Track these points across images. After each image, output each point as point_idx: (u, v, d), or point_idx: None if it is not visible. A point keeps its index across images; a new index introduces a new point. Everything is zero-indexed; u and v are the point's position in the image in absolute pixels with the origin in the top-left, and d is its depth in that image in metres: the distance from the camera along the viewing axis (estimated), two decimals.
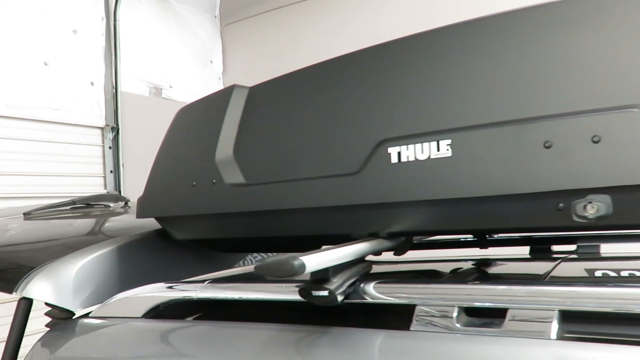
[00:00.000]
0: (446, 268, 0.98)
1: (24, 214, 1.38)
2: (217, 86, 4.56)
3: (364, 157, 0.79)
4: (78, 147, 3.34)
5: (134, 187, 3.55)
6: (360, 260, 0.75)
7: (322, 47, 4.11)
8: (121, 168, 3.50)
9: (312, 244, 1.01)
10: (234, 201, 0.91)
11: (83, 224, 1.30)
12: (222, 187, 0.93)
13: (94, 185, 3.45)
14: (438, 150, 0.72)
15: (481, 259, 1.06)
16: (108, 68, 3.53)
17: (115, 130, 3.53)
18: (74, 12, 3.31)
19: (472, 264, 1.02)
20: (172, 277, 1.12)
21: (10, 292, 0.95)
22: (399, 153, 0.75)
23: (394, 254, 0.89)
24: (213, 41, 4.57)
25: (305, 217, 0.86)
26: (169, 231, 1.09)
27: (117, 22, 3.54)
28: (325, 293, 0.66)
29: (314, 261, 0.62)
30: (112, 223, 1.33)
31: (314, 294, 0.66)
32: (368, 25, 3.89)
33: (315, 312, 0.74)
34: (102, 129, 3.50)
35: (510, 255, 1.06)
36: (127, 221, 1.30)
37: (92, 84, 3.41)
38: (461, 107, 0.71)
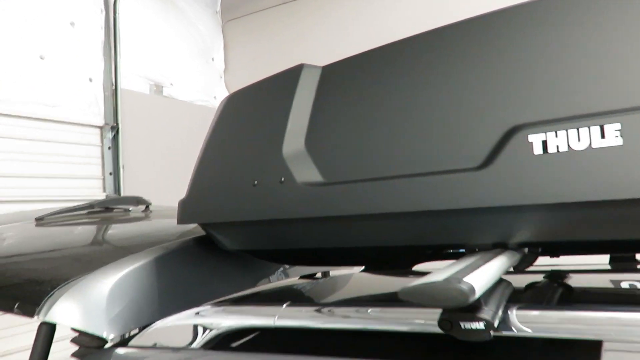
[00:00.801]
0: (574, 282, 0.81)
1: (36, 219, 1.19)
2: (219, 85, 4.38)
3: (490, 147, 0.63)
4: (75, 147, 3.14)
5: (135, 190, 3.35)
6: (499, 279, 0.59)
7: (328, 44, 3.95)
8: (121, 170, 3.30)
9: (403, 257, 0.85)
10: (309, 204, 0.74)
11: (108, 232, 1.12)
12: (292, 187, 0.76)
13: (92, 188, 3.25)
14: (602, 137, 0.55)
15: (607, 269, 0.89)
16: (107, 63, 3.33)
17: (115, 129, 3.33)
18: (72, 3, 3.11)
19: (613, 280, 0.86)
20: (216, 292, 0.95)
21: (31, 315, 0.77)
22: (544, 142, 0.59)
23: (515, 268, 0.72)
24: (214, 38, 4.39)
25: (405, 224, 0.69)
26: (218, 240, 0.92)
27: (117, 15, 3.34)
28: (481, 325, 0.49)
29: (480, 282, 0.45)
30: (140, 230, 1.15)
31: (464, 327, 0.50)
32: (375, 22, 3.75)
33: (449, 347, 0.57)
34: (101, 128, 3.30)
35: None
36: (157, 228, 1.13)
37: (90, 80, 3.21)
38: (637, 79, 0.55)
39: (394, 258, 0.81)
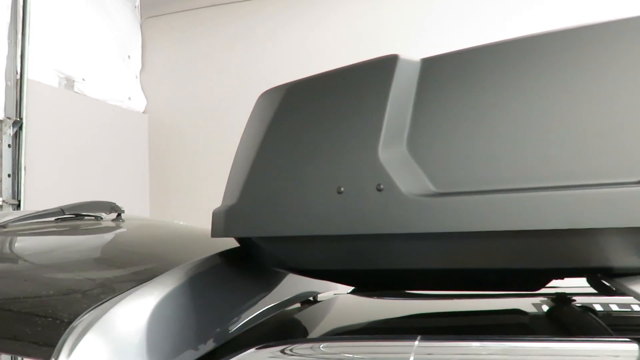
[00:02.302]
0: None
1: None
2: (134, 85, 4.02)
3: None
4: None
5: (37, 195, 2.92)
6: None
7: (259, 52, 3.82)
8: (22, 171, 2.85)
9: (540, 278, 0.75)
10: (419, 218, 0.63)
11: (104, 246, 0.89)
12: (396, 197, 0.64)
13: None
14: None
15: None
16: (12, 49, 2.88)
17: (19, 125, 2.88)
18: None
19: None
20: (254, 311, 0.80)
21: (46, 358, 0.56)
22: None
23: None
24: (132, 34, 4.03)
25: (544, 242, 0.60)
26: (266, 256, 0.76)
27: None
28: None
29: None
30: (143, 244, 0.94)
31: None
32: (307, 34, 3.69)
33: None
34: (0, 122, 2.83)
35: None
36: (162, 241, 0.93)
37: None
38: None
39: (514, 280, 0.72)
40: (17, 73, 2.89)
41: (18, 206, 2.82)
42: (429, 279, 0.75)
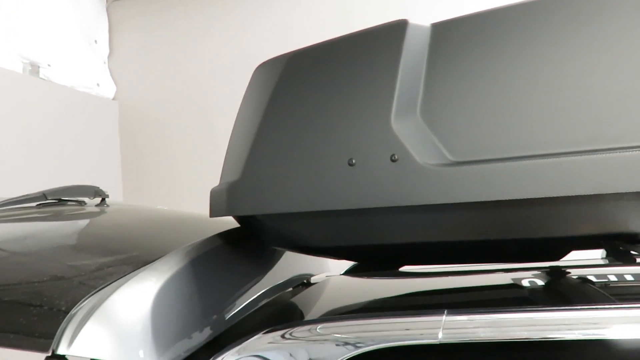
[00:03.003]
0: None
1: None
2: (103, 70, 3.88)
3: None
4: None
5: (2, 186, 2.79)
6: None
7: (232, 34, 3.73)
8: None
9: (561, 246, 0.73)
10: (438, 188, 0.61)
11: (94, 231, 0.83)
12: (412, 167, 0.62)
13: None
14: None
15: None
16: None
17: None
18: None
19: None
20: (259, 292, 0.76)
21: (42, 349, 0.51)
22: None
23: None
24: (98, 18, 3.88)
25: (572, 209, 0.59)
26: (269, 235, 0.73)
27: None
28: None
29: None
30: (134, 229, 0.88)
31: None
32: (280, 19, 3.62)
33: None
34: None
35: None
36: (153, 224, 0.87)
37: None
38: None
39: (535, 250, 0.70)
40: None
41: None
42: (445, 252, 0.73)
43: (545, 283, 0.85)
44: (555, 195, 0.55)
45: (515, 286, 0.89)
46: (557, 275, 0.90)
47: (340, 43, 0.70)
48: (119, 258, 0.69)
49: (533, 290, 0.91)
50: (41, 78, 3.25)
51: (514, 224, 0.60)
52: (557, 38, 0.59)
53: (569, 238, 0.65)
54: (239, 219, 0.76)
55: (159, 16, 3.93)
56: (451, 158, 0.61)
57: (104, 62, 3.92)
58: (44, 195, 0.96)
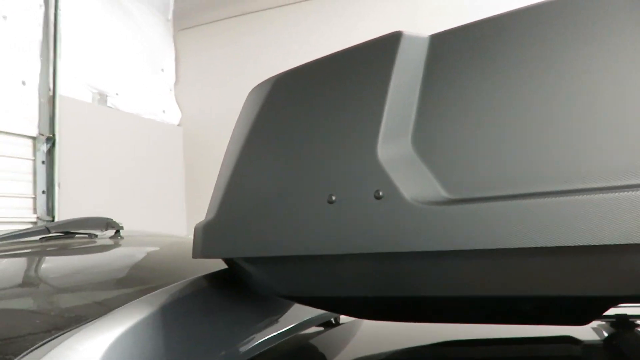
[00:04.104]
0: None
1: None
2: (169, 97, 4.01)
3: None
4: (2, 160, 2.67)
5: (72, 212, 2.91)
6: None
7: (287, 58, 3.72)
8: (56, 188, 2.85)
9: (590, 308, 0.60)
10: (428, 231, 0.48)
11: (84, 268, 0.79)
12: (398, 205, 0.50)
13: (19, 209, 2.77)
14: None
15: None
16: (44, 66, 2.90)
17: (51, 141, 2.89)
18: None
19: None
20: (245, 345, 0.67)
21: None
22: None
23: None
24: (165, 47, 4.03)
25: (587, 263, 0.45)
26: (254, 282, 0.64)
27: (58, 11, 2.94)
28: None
29: None
30: (125, 265, 0.83)
31: None
32: (332, 37, 3.57)
33: None
34: (34, 138, 2.85)
35: None
36: (149, 261, 0.82)
37: (23, 83, 2.78)
38: None
39: (558, 311, 0.57)
40: (49, 90, 2.91)
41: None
42: (449, 309, 0.60)
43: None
44: (578, 244, 0.42)
45: (574, 341, 0.74)
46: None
47: (328, 62, 0.60)
48: (82, 303, 0.63)
49: (595, 347, 0.76)
50: (109, 106, 3.41)
51: (526, 278, 0.47)
52: (581, 49, 0.46)
53: (603, 297, 0.51)
54: (224, 260, 0.68)
55: (223, 43, 4.03)
56: (447, 195, 0.49)
57: (170, 90, 4.06)
58: (46, 228, 0.94)
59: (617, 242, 0.40)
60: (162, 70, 3.99)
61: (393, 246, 0.50)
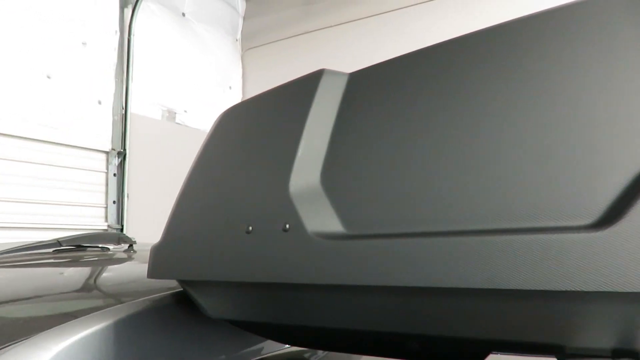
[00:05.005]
0: None
1: None
2: None
3: (612, 196, 0.40)
4: (79, 173, 2.95)
5: (139, 221, 3.14)
6: None
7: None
8: (125, 199, 3.09)
9: (477, 351, 0.60)
10: (324, 264, 0.50)
11: (66, 280, 0.88)
12: (300, 238, 0.52)
13: (93, 217, 3.04)
14: None
15: None
16: (118, 86, 3.18)
17: (122, 155, 3.14)
18: (86, 23, 2.98)
19: None
20: None
21: None
22: None
23: None
24: (233, 66, 4.24)
25: (468, 306, 0.45)
26: (197, 304, 0.68)
27: (131, 36, 3.20)
28: None
29: None
30: (109, 279, 0.91)
31: None
32: (389, 51, 3.56)
33: None
34: (107, 153, 3.12)
35: None
36: (132, 276, 0.90)
37: (99, 102, 3.05)
38: None
39: (441, 351, 0.57)
40: (122, 108, 3.17)
41: (121, 230, 3.06)
42: (345, 340, 0.61)
43: None
44: (455, 287, 0.42)
45: None
46: None
47: (263, 97, 0.65)
48: (59, 312, 0.71)
49: None
50: (177, 123, 3.64)
51: (406, 316, 0.48)
52: (484, 89, 0.47)
53: (486, 341, 0.50)
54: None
55: (286, 61, 4.16)
56: (344, 231, 0.52)
57: None
58: (58, 242, 1.04)
59: (481, 287, 0.40)
60: (230, 87, 4.20)
61: (293, 277, 0.52)
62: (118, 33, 3.18)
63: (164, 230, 0.68)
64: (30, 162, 2.69)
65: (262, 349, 0.80)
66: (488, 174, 0.44)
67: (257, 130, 0.63)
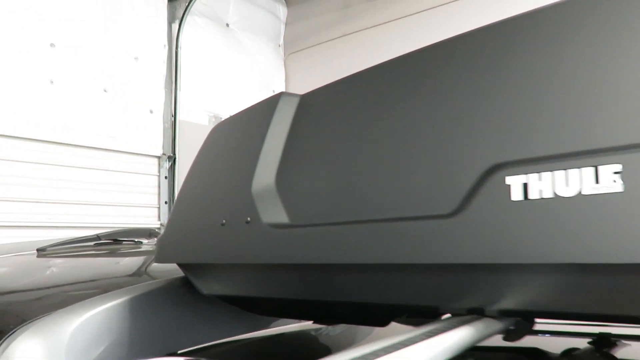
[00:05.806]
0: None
1: (38, 250, 1.18)
2: None
3: (464, 190, 0.51)
4: (133, 177, 3.24)
5: None
6: None
7: None
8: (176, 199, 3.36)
9: (383, 314, 0.74)
10: (271, 248, 0.65)
11: (99, 266, 1.08)
12: (257, 228, 0.67)
13: (147, 217, 3.33)
14: (597, 181, 0.42)
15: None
16: (168, 96, 3.45)
17: (172, 159, 3.41)
18: (137, 39, 3.26)
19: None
20: (199, 340, 0.87)
21: None
22: (525, 185, 0.46)
23: (504, 339, 0.59)
24: (275, 70, 4.45)
25: (372, 278, 0.59)
26: (193, 283, 0.85)
27: (179, 49, 3.47)
28: None
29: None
30: (133, 266, 1.10)
31: None
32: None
33: None
34: (158, 158, 3.40)
35: None
36: (155, 265, 1.08)
37: (151, 111, 3.33)
38: None
39: (371, 314, 0.70)
40: (172, 116, 3.44)
41: None
42: (297, 308, 0.75)
43: None
44: (359, 263, 0.56)
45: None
46: None
47: (240, 115, 0.80)
48: (90, 290, 0.89)
49: None
50: None
51: (335, 286, 0.62)
52: (371, 113, 0.60)
53: (392, 305, 0.63)
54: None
55: (327, 62, 4.31)
56: (288, 221, 0.66)
57: None
58: (97, 236, 1.24)
59: (376, 262, 0.54)
60: (273, 91, 4.40)
61: (254, 259, 0.68)
62: (166, 46, 3.45)
63: (167, 224, 0.85)
64: (90, 168, 3.00)
65: (252, 326, 0.95)
66: (386, 178, 0.58)
67: (232, 142, 0.79)
